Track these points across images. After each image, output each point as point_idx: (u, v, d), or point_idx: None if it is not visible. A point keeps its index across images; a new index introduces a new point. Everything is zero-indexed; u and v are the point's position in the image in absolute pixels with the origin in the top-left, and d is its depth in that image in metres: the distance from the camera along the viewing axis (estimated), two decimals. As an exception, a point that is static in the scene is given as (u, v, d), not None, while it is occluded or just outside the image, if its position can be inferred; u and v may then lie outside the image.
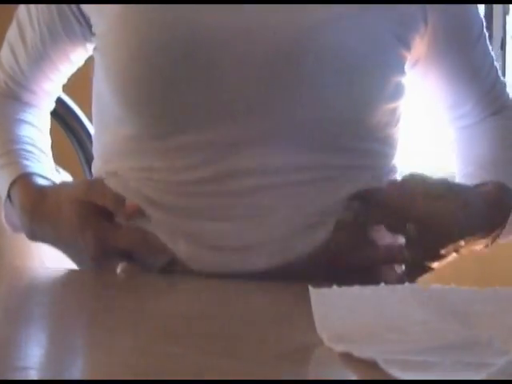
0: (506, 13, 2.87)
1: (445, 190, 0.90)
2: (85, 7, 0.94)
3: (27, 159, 0.98)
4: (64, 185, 0.97)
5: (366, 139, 0.90)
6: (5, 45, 1.04)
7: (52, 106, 1.09)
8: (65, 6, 0.96)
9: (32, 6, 1.00)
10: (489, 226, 0.92)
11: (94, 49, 0.96)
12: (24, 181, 0.95)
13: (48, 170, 0.99)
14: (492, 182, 0.94)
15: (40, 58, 1.01)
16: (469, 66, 1.01)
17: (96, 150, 0.97)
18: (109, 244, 0.88)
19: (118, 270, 0.86)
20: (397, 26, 0.91)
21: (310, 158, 0.87)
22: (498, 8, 2.87)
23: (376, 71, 0.88)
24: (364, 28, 0.88)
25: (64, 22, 0.97)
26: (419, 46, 0.95)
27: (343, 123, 0.87)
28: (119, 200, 0.89)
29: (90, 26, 0.95)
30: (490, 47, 1.04)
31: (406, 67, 0.94)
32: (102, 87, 0.92)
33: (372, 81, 0.88)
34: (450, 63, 0.99)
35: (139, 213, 0.88)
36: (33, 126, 1.04)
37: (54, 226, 0.91)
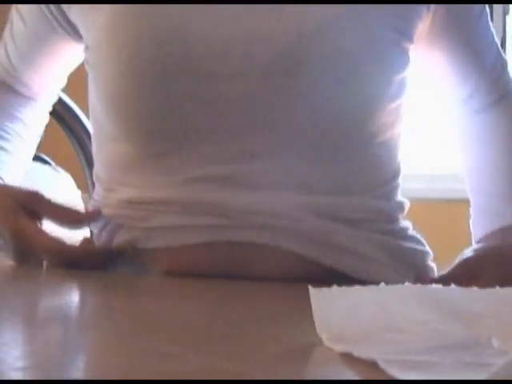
0: (505, 13, 2.87)
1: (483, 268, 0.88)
2: (71, 16, 0.92)
3: None
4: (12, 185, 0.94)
5: (372, 143, 0.89)
6: (2, 40, 1.04)
7: (49, 104, 1.08)
8: (48, 14, 0.95)
9: (21, 5, 0.99)
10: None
11: (86, 63, 0.94)
12: None
13: (8, 171, 0.97)
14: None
15: (27, 53, 1.01)
16: (471, 41, 1.00)
17: (96, 165, 0.95)
18: (26, 245, 0.85)
19: (44, 266, 0.85)
20: (398, 20, 0.88)
21: (315, 168, 0.85)
22: (498, 8, 2.87)
23: (379, 72, 0.86)
24: (363, 28, 0.86)
25: (48, 26, 0.96)
26: (422, 28, 0.93)
27: (348, 129, 0.85)
28: (65, 208, 0.87)
29: (77, 32, 0.94)
30: (491, 24, 1.04)
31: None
32: (94, 103, 0.91)
33: (375, 83, 0.86)
34: (452, 39, 0.98)
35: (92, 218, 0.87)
36: (18, 119, 1.03)
37: None
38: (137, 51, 0.83)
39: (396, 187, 0.95)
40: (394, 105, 0.90)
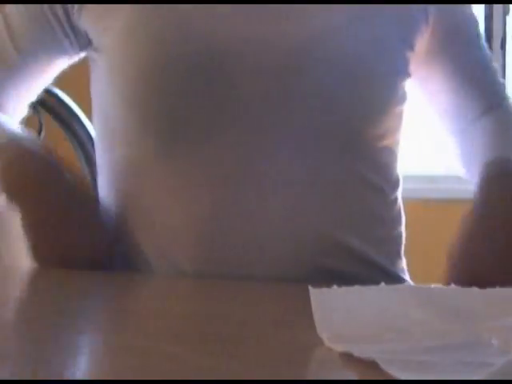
0: (505, 13, 2.87)
1: None
2: (80, 22, 0.90)
3: None
4: None
5: (376, 146, 0.89)
6: None
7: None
8: (54, 22, 0.91)
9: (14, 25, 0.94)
10: None
11: (95, 64, 0.92)
12: None
13: None
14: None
15: (18, 77, 0.95)
16: (468, 65, 0.99)
17: (102, 167, 0.94)
18: None
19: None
20: (401, 28, 0.91)
21: (322, 168, 0.86)
22: (498, 8, 2.87)
23: (386, 76, 0.88)
24: (371, 32, 0.87)
25: (51, 41, 0.92)
26: (421, 46, 0.94)
27: (354, 131, 0.86)
28: None
29: (82, 39, 0.91)
30: (488, 48, 1.02)
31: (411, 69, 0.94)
32: (110, 105, 0.90)
33: (382, 86, 0.88)
34: (450, 63, 0.98)
35: None
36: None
37: None
38: (157, 52, 0.85)
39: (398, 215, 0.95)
40: (398, 110, 0.90)
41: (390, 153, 0.92)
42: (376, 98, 0.87)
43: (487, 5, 2.86)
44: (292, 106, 0.84)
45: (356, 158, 0.88)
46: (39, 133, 1.34)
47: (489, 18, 2.86)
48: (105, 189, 0.93)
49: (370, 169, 0.89)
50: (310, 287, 0.62)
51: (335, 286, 0.64)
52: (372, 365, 0.46)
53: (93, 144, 1.18)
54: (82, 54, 0.95)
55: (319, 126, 0.85)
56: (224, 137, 0.84)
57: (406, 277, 0.96)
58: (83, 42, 0.92)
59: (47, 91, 1.09)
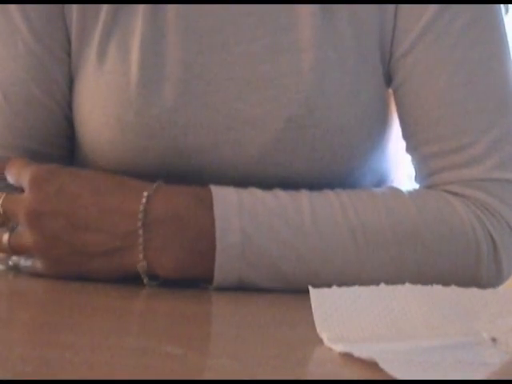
0: (505, 13, 2.88)
1: None
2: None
3: None
4: None
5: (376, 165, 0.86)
6: None
7: None
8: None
9: None
10: None
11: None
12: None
13: None
14: None
15: None
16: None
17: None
18: None
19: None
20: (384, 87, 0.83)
21: None
22: (497, 8, 2.88)
23: (369, 146, 0.83)
24: (353, 105, 0.80)
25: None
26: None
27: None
28: None
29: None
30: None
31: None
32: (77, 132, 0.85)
33: (364, 155, 0.83)
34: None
35: None
36: None
37: None
38: (123, 144, 0.79)
39: None
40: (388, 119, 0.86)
41: (383, 154, 0.90)
42: (354, 165, 0.82)
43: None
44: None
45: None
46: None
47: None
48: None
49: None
50: (310, 287, 0.63)
51: (335, 286, 0.64)
52: (372, 365, 0.46)
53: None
54: None
55: None
56: None
57: None
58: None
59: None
